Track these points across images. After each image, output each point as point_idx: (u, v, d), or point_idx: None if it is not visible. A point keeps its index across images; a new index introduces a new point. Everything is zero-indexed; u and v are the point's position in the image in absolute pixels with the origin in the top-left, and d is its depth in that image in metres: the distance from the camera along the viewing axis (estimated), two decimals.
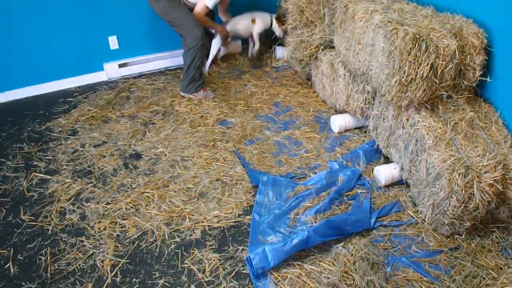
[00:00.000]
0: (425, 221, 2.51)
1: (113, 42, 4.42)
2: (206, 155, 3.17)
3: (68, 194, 2.94)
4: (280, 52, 4.53)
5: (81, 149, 3.41)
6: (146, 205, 2.80)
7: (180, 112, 3.73)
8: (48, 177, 3.15)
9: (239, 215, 2.70)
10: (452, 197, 2.20)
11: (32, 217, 2.81)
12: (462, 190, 2.15)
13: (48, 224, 2.73)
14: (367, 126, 3.21)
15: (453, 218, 2.28)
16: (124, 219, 2.71)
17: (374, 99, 3.08)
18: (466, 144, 2.33)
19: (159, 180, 2.99)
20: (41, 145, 3.57)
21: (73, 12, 4.21)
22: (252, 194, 2.84)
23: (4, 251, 2.58)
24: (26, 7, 4.09)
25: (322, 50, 3.62)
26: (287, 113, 3.68)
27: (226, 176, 2.99)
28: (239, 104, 3.80)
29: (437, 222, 2.41)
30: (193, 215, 2.70)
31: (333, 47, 3.49)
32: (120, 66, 4.49)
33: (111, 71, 4.48)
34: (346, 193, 2.77)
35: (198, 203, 2.79)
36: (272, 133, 3.42)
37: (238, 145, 3.28)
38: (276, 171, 3.01)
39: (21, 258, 2.53)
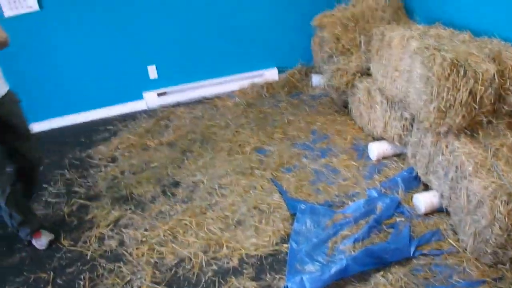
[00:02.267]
0: (466, 250, 2.47)
1: (152, 72, 4.59)
2: (244, 183, 3.23)
3: (107, 220, 3.05)
4: (317, 80, 4.59)
5: (121, 176, 3.54)
6: (184, 232, 2.85)
7: (218, 140, 3.82)
8: (88, 203, 3.28)
9: (277, 243, 2.71)
10: (494, 225, 2.17)
11: (72, 242, 2.91)
12: (505, 218, 2.12)
13: (87, 250, 2.83)
14: (406, 153, 3.20)
15: (496, 247, 2.24)
16: (162, 246, 2.77)
17: (412, 126, 3.08)
18: (508, 170, 2.30)
19: (197, 207, 3.05)
20: (81, 171, 3.73)
21: (113, 42, 4.44)
22: (289, 222, 2.86)
23: (44, 275, 2.68)
24: (69, 37, 4.34)
25: (358, 77, 3.65)
26: (324, 141, 3.70)
27: (264, 204, 3.02)
28: (276, 132, 3.86)
29: (479, 251, 2.37)
30: (230, 243, 2.73)
31: (369, 75, 3.51)
32: (159, 95, 4.65)
33: (150, 100, 4.65)
34: (385, 221, 2.76)
35: (235, 231, 2.82)
36: (309, 161, 3.45)
37: (276, 173, 3.32)
38: (314, 199, 3.03)
39: (61, 282, 2.62)
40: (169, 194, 3.24)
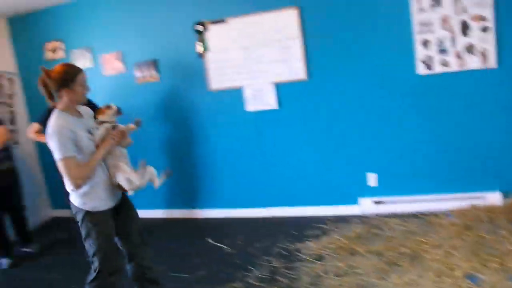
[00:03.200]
0: None
1: (372, 179, 4.70)
2: None
3: None
4: None
5: (324, 275, 3.61)
6: None
7: (428, 259, 3.64)
8: None
9: None
10: None
11: None
12: None
13: None
14: None
15: None
16: None
17: None
18: None
19: None
20: (287, 262, 3.93)
21: (336, 145, 4.74)
22: None
23: None
24: (298, 135, 4.83)
25: None
26: None
27: None
28: (492, 261, 3.50)
29: None
30: None
31: None
32: (375, 203, 4.71)
33: (366, 206, 4.73)
34: None
35: None
36: None
37: None
38: None
39: None
40: None
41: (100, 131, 3.01)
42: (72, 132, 2.78)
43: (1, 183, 4.60)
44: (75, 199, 2.94)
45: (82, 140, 2.83)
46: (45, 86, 2.85)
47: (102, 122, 3.06)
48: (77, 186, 2.82)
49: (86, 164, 2.83)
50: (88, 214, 2.94)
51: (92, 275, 2.97)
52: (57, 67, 2.86)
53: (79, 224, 2.97)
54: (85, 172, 2.83)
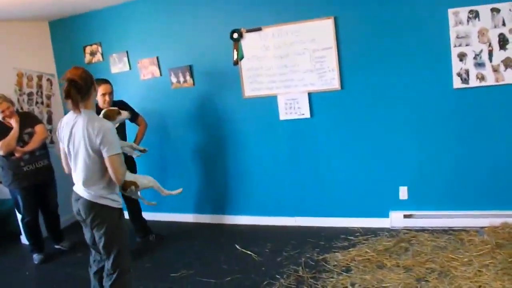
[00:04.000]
0: None
1: (403, 193, 4.70)
2: None
3: None
4: None
5: (350, 287, 3.63)
6: None
7: (457, 276, 3.61)
8: None
9: None
10: None
11: None
12: None
13: None
14: None
15: None
16: None
17: None
18: None
19: None
20: (314, 273, 3.97)
21: (367, 157, 4.75)
22: None
23: None
24: (330, 145, 4.89)
25: None
26: None
27: None
28: None
29: None
30: None
31: None
32: (405, 216, 4.69)
33: (396, 220, 4.72)
34: None
35: None
36: None
37: None
38: None
39: None
40: None
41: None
42: None
43: (38, 180, 4.77)
44: (108, 197, 3.08)
45: None
46: (73, 95, 2.91)
47: None
48: (120, 182, 3.04)
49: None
50: (120, 212, 3.10)
51: (114, 275, 3.13)
52: (78, 72, 2.97)
53: (109, 223, 3.09)
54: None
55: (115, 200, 3.12)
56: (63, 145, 3.13)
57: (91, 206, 3.06)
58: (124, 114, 3.71)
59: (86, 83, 2.96)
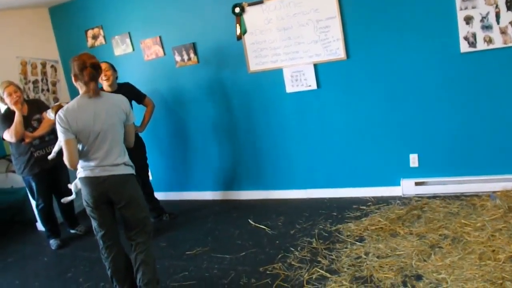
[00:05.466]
0: None
1: (413, 160, 4.71)
2: None
3: None
4: None
5: (364, 256, 3.69)
6: None
7: (470, 241, 3.65)
8: (328, 275, 3.51)
9: None
10: None
11: None
12: None
13: None
14: None
15: None
16: None
17: None
18: None
19: None
20: (328, 244, 4.02)
21: (376, 126, 4.75)
22: None
23: None
24: (340, 115, 4.90)
25: None
26: None
27: None
28: None
29: None
30: None
31: None
32: (417, 184, 4.72)
33: (407, 187, 4.75)
34: None
35: None
36: None
37: None
38: None
39: None
40: (409, 285, 3.23)
41: None
42: None
43: (49, 165, 4.84)
44: (131, 165, 3.44)
45: None
46: (97, 78, 3.24)
47: None
48: (132, 145, 3.58)
49: None
50: None
51: (149, 242, 3.48)
52: (93, 57, 3.23)
53: (139, 191, 3.52)
54: None
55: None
56: (73, 134, 3.12)
57: (126, 180, 3.31)
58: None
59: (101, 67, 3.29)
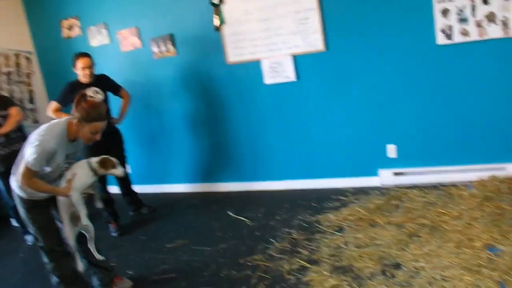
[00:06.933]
0: None
1: (391, 150, 4.77)
2: (468, 280, 3.06)
3: (322, 286, 3.23)
4: None
5: (344, 246, 3.73)
6: None
7: (448, 230, 3.71)
8: (308, 265, 3.54)
9: None
10: None
11: None
12: None
13: None
14: None
15: None
16: None
17: None
18: None
19: None
20: (308, 234, 4.06)
21: (354, 117, 4.79)
22: None
23: None
24: (317, 107, 4.94)
25: None
26: None
27: None
28: None
29: None
30: None
31: None
32: (395, 174, 4.78)
33: (385, 178, 4.81)
34: None
35: None
36: None
37: (505, 277, 3.09)
38: None
39: None
40: (388, 274, 3.27)
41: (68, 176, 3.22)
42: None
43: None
44: None
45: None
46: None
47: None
48: None
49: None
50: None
51: None
52: (90, 103, 3.04)
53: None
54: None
55: None
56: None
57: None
58: (118, 172, 3.46)
59: None
